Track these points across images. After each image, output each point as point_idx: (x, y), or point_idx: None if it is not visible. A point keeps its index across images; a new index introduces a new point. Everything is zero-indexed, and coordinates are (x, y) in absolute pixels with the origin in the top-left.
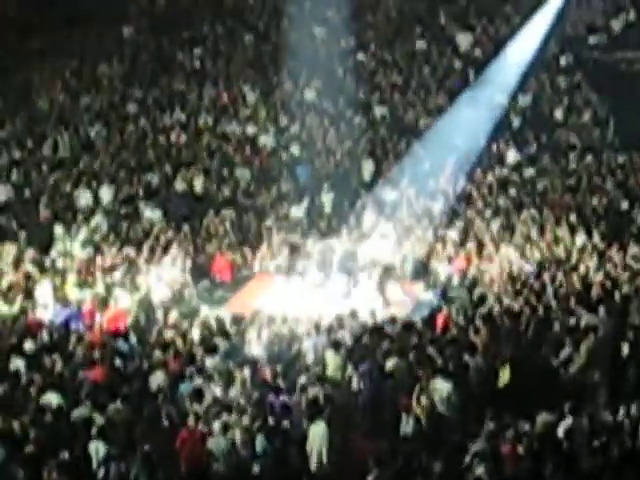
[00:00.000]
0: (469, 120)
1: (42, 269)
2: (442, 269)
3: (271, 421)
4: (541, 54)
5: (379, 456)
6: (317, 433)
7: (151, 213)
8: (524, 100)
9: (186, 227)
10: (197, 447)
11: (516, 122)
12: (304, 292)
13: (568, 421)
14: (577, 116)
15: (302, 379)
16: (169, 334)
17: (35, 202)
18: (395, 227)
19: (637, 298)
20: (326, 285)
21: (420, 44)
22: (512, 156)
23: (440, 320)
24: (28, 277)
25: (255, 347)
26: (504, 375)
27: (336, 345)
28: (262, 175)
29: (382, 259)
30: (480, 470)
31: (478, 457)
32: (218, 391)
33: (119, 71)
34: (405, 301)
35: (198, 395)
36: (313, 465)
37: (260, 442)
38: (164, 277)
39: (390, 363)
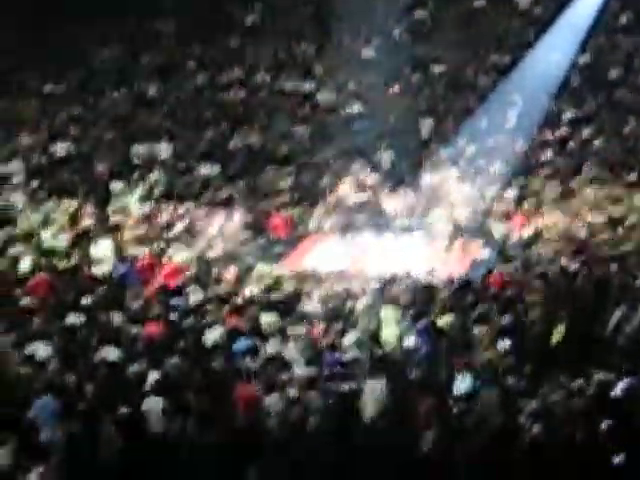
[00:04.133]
0: (528, 79)
1: (100, 224)
2: (499, 228)
3: (327, 378)
4: (601, 12)
5: (438, 413)
6: (373, 390)
7: (209, 169)
8: (583, 59)
9: (244, 184)
10: (253, 404)
11: (575, 81)
12: (360, 250)
13: (624, 381)
14: (636, 76)
15: (358, 336)
16: (225, 290)
17: (93, 158)
18: (453, 185)
19: None
20: (382, 243)
21: (479, 2)
22: (570, 115)
23: (496, 279)
24: (86, 232)
25: (311, 304)
26: (559, 334)
27: (392, 302)
28: (320, 132)
29: (439, 217)
30: (536, 430)
31: (533, 417)
32: (274, 348)
33: (177, 28)
34: (462, 259)
35: (254, 352)
36: (369, 422)
37: (315, 400)
38: (221, 233)
39: (445, 321)
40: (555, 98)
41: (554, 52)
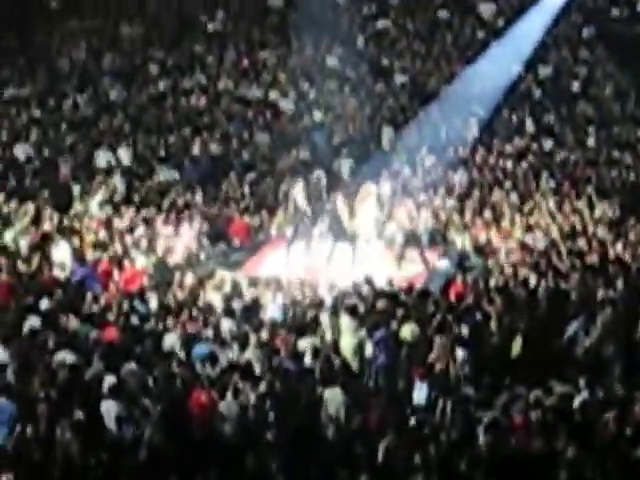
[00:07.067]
0: (489, 90)
1: (61, 228)
2: (459, 238)
3: (285, 386)
4: (563, 26)
5: (393, 423)
6: (332, 399)
7: (169, 175)
8: (545, 71)
9: (204, 190)
10: (209, 410)
11: (536, 93)
12: (320, 257)
13: (583, 394)
14: (598, 89)
15: (317, 345)
16: (185, 296)
17: (55, 162)
18: (413, 195)
19: None
20: (342, 251)
21: (442, 13)
22: (532, 127)
23: (456, 289)
24: (46, 236)
25: (270, 311)
26: (517, 346)
27: (352, 311)
28: (281, 140)
29: (400, 227)
30: (492, 440)
31: (491, 427)
32: (232, 355)
33: (141, 32)
34: (422, 269)
35: (212, 358)
36: (326, 431)
37: (273, 407)
38: (181, 239)
39: (405, 330)
40: (516, 109)
41: (515, 63)
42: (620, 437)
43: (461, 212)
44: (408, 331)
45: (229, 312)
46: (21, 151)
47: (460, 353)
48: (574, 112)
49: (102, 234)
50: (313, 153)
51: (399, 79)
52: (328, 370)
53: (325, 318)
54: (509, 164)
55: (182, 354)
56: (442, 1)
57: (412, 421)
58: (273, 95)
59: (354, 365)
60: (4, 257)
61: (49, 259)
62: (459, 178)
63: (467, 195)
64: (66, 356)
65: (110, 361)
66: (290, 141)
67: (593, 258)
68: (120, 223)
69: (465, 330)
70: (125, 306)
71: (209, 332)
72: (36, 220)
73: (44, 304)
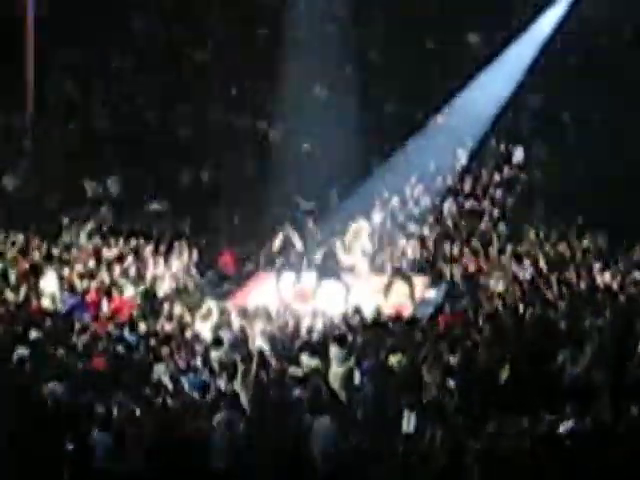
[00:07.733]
0: (477, 119)
1: (49, 258)
2: (448, 267)
3: (273, 415)
4: (552, 55)
5: (382, 452)
6: (321, 428)
7: (158, 205)
8: (533, 100)
9: (193, 220)
10: (200, 440)
11: (525, 123)
12: (309, 288)
13: (571, 422)
14: (587, 119)
15: (305, 374)
16: (173, 325)
17: (44, 192)
18: (402, 224)
19: None
20: (330, 281)
21: (431, 43)
22: (520, 156)
23: (444, 318)
24: (35, 266)
25: (259, 341)
26: (505, 375)
27: (340, 341)
28: (270, 169)
29: (389, 256)
30: (482, 469)
31: (480, 456)
32: (222, 384)
33: (129, 63)
34: (410, 298)
35: (202, 388)
36: (315, 459)
37: (262, 436)
38: (170, 269)
39: (394, 360)
40: (505, 139)
41: (503, 93)
42: (609, 464)
43: (450, 241)
44: (396, 360)
45: (218, 342)
46: (10, 181)
47: (449, 382)
48: (563, 141)
49: (91, 264)
50: (302, 183)
51: (388, 108)
52: (317, 399)
53: (314, 347)
54: (498, 193)
55: (171, 384)
56: (430, 31)
57: (401, 450)
58: (261, 124)
59: (343, 394)
60: None
61: (37, 289)
62: (448, 207)
63: (456, 224)
64: (55, 386)
65: (99, 391)
66: (279, 171)
67: (581, 287)
68: (109, 253)
69: (454, 359)
70: (114, 336)
71: (198, 362)
72: (25, 250)
73: (33, 334)
